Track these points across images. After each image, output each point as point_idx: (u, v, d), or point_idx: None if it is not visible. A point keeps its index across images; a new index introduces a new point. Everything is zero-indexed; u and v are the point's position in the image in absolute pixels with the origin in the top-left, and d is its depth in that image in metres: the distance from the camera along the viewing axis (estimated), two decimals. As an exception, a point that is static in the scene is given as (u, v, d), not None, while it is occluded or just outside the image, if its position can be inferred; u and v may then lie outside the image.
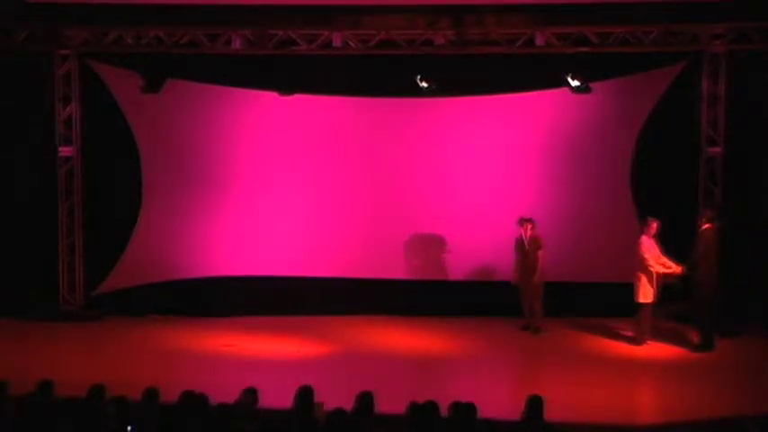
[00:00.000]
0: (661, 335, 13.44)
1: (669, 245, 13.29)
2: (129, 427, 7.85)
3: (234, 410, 8.05)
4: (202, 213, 15.14)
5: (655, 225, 13.17)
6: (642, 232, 13.21)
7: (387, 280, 14.80)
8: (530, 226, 14.07)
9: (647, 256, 13.03)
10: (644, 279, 13.09)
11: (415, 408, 8.15)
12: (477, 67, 14.51)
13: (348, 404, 8.28)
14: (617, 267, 14.14)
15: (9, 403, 8.50)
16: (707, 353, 12.89)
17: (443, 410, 8.09)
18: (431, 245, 15.13)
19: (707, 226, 13.04)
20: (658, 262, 13.08)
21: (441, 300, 15.07)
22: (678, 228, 13.40)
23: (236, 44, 14.47)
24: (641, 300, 13.16)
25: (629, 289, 13.33)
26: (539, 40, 14.16)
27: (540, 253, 13.97)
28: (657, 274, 13.08)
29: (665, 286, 13.31)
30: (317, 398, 8.46)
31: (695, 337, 13.17)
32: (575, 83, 14.09)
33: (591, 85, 14.15)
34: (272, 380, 10.53)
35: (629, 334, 13.52)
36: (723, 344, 13.05)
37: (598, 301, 14.42)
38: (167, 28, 14.46)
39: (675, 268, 13.08)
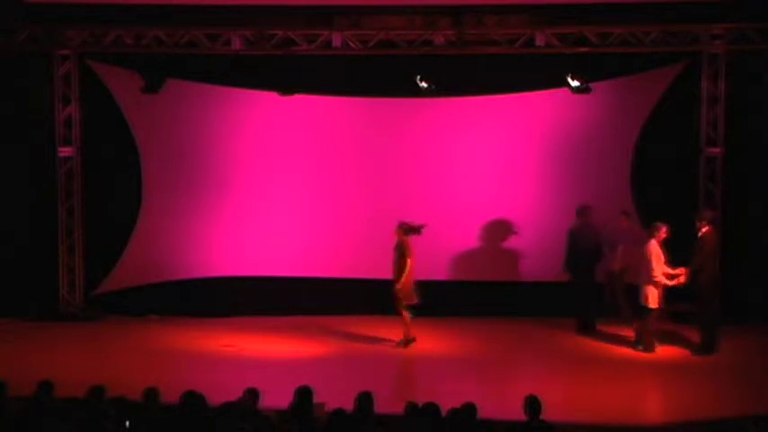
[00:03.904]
0: (662, 336, 13.34)
1: (669, 245, 13.27)
2: (126, 423, 7.86)
3: (234, 410, 8.05)
4: (202, 213, 15.14)
5: (665, 230, 12.97)
6: (650, 236, 12.99)
7: (387, 280, 14.77)
8: (396, 230, 13.52)
9: (654, 265, 12.79)
10: (652, 285, 12.88)
11: (413, 408, 8.16)
12: (477, 67, 14.51)
13: (348, 404, 8.29)
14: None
15: (9, 403, 8.50)
16: (707, 356, 12.81)
17: (443, 411, 8.08)
18: (430, 245, 15.06)
19: (706, 229, 12.96)
20: (663, 271, 12.86)
21: (441, 300, 15.04)
22: (678, 228, 13.34)
23: (236, 44, 14.47)
24: (650, 305, 12.90)
25: (630, 289, 13.30)
26: (539, 40, 14.16)
27: (409, 261, 13.32)
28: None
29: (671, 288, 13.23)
30: (317, 398, 8.46)
31: (697, 340, 13.11)
32: (575, 83, 14.09)
33: (591, 85, 14.15)
34: (272, 380, 10.55)
35: (634, 339, 13.30)
36: (724, 344, 13.01)
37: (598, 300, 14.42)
38: (167, 28, 14.46)
39: (680, 277, 12.87)
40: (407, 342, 13.40)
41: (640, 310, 13.06)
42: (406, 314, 13.39)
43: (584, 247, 13.95)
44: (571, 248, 14.08)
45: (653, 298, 12.88)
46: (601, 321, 14.10)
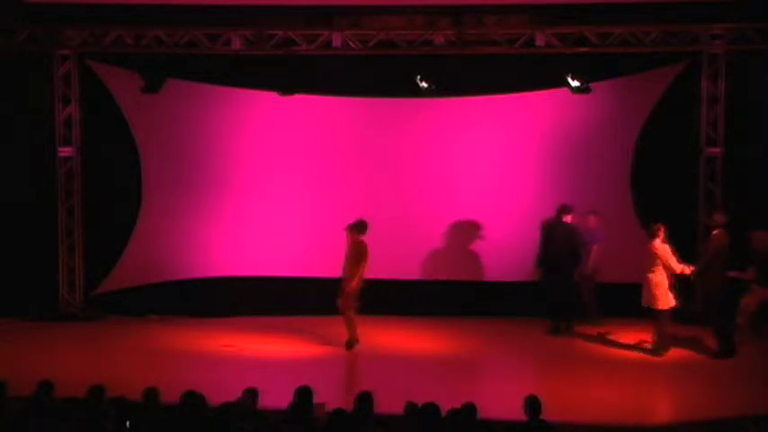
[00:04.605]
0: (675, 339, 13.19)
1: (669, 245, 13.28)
2: (127, 423, 7.86)
3: (233, 410, 8.05)
4: (202, 214, 15.14)
5: (663, 229, 12.88)
6: (653, 237, 12.80)
7: (387, 280, 14.77)
8: (352, 231, 13.20)
9: (670, 262, 12.63)
10: (664, 285, 12.71)
11: (413, 408, 8.16)
12: (477, 67, 14.51)
13: (348, 404, 8.29)
14: (616, 267, 14.16)
15: (9, 403, 8.50)
16: (728, 359, 12.68)
17: (443, 411, 8.08)
18: (431, 245, 15.13)
19: (716, 231, 12.84)
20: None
21: (441, 300, 15.07)
22: (678, 228, 13.34)
23: (236, 44, 14.47)
24: (662, 306, 12.74)
25: (629, 289, 13.27)
26: (539, 40, 14.16)
27: (361, 266, 13.11)
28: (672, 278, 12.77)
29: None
30: (317, 398, 8.46)
31: (712, 344, 12.97)
32: (575, 83, 14.10)
33: (591, 85, 14.16)
34: (272, 380, 10.55)
35: (647, 346, 13.06)
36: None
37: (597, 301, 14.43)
38: (167, 28, 14.46)
39: (686, 268, 12.77)
40: (353, 344, 13.28)
41: (651, 314, 12.90)
42: (353, 315, 13.26)
43: (558, 245, 13.92)
44: (545, 245, 14.04)
45: (663, 299, 12.74)
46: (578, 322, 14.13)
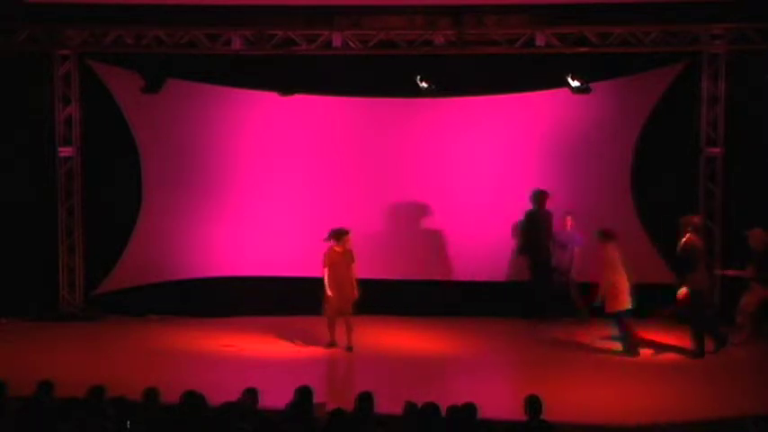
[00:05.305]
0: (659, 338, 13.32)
1: (669, 246, 13.28)
2: (127, 423, 7.87)
3: (234, 410, 8.05)
4: (202, 214, 15.14)
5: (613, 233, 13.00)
6: (608, 242, 12.82)
7: (387, 280, 14.80)
8: (347, 240, 13.35)
9: (607, 270, 12.70)
10: (624, 286, 12.73)
11: (413, 408, 8.16)
12: (477, 67, 14.52)
13: (348, 404, 8.29)
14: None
15: (9, 403, 8.50)
16: (699, 359, 12.73)
17: (443, 411, 8.08)
18: (431, 245, 15.14)
19: (690, 233, 12.70)
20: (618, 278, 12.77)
21: (441, 300, 15.07)
22: (677, 229, 13.34)
23: (236, 44, 14.48)
24: (619, 308, 12.76)
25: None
26: (539, 41, 14.18)
27: (353, 266, 13.32)
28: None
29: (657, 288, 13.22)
30: (317, 398, 8.46)
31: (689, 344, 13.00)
32: (575, 83, 14.10)
33: (591, 85, 14.16)
34: (272, 380, 10.55)
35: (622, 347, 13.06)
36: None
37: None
38: (167, 28, 14.47)
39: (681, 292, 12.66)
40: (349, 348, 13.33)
41: (613, 317, 12.97)
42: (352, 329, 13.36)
43: (542, 233, 14.12)
44: (527, 233, 14.32)
45: (621, 301, 12.74)
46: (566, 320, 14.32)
